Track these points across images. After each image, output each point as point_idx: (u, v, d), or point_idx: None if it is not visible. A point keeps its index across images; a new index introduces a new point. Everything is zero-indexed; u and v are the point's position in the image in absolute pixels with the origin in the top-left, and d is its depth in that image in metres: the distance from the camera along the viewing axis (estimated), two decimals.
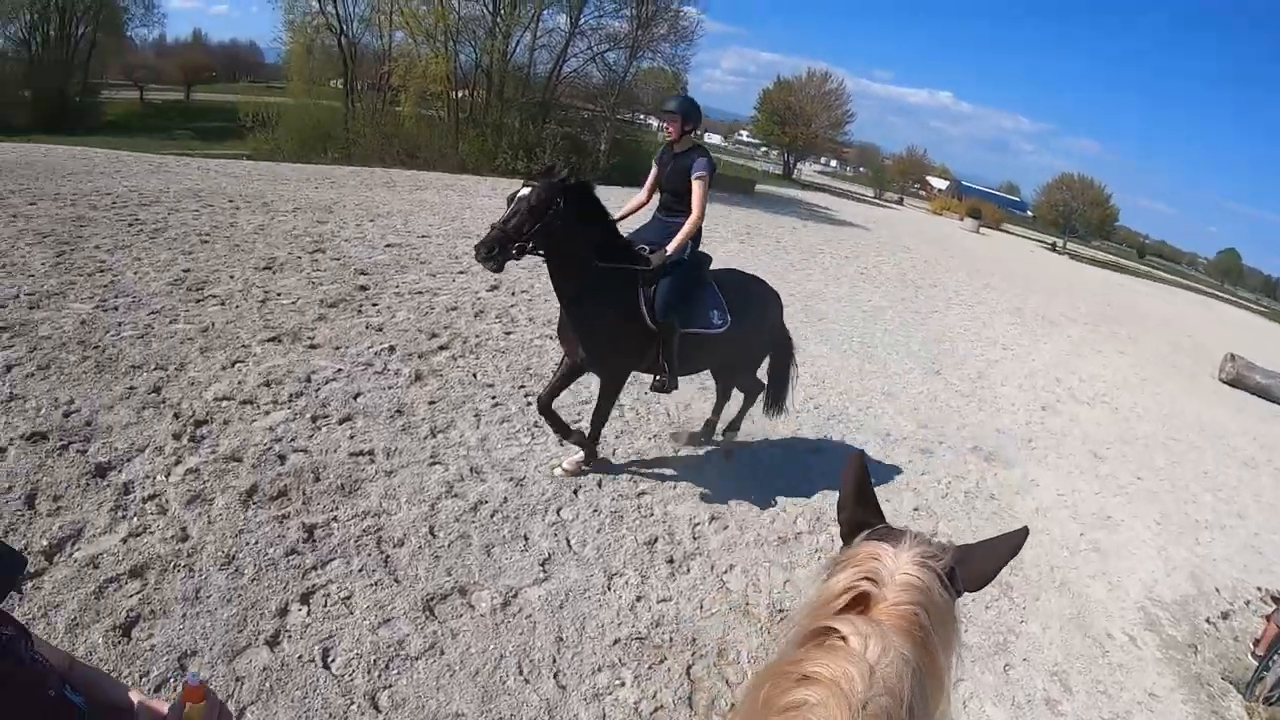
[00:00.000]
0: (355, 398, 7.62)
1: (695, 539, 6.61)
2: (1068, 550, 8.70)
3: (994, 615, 6.75)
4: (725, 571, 6.27)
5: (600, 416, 6.99)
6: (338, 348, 8.70)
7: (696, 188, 6.66)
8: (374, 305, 10.32)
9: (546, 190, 5.78)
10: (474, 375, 8.72)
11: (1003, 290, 28.86)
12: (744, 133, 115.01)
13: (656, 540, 6.43)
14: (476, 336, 9.93)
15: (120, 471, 5.68)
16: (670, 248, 6.54)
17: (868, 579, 1.37)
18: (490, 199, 20.98)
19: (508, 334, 10.32)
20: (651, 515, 6.77)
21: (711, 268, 7.38)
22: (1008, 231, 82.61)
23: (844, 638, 1.26)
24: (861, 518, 1.63)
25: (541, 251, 6.00)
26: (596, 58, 37.96)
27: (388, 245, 13.54)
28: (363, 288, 10.97)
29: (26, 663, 1.56)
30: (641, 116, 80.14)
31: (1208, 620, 7.79)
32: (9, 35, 49.21)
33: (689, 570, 6.15)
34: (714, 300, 6.88)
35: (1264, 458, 16.59)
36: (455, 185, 23.72)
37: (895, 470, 9.33)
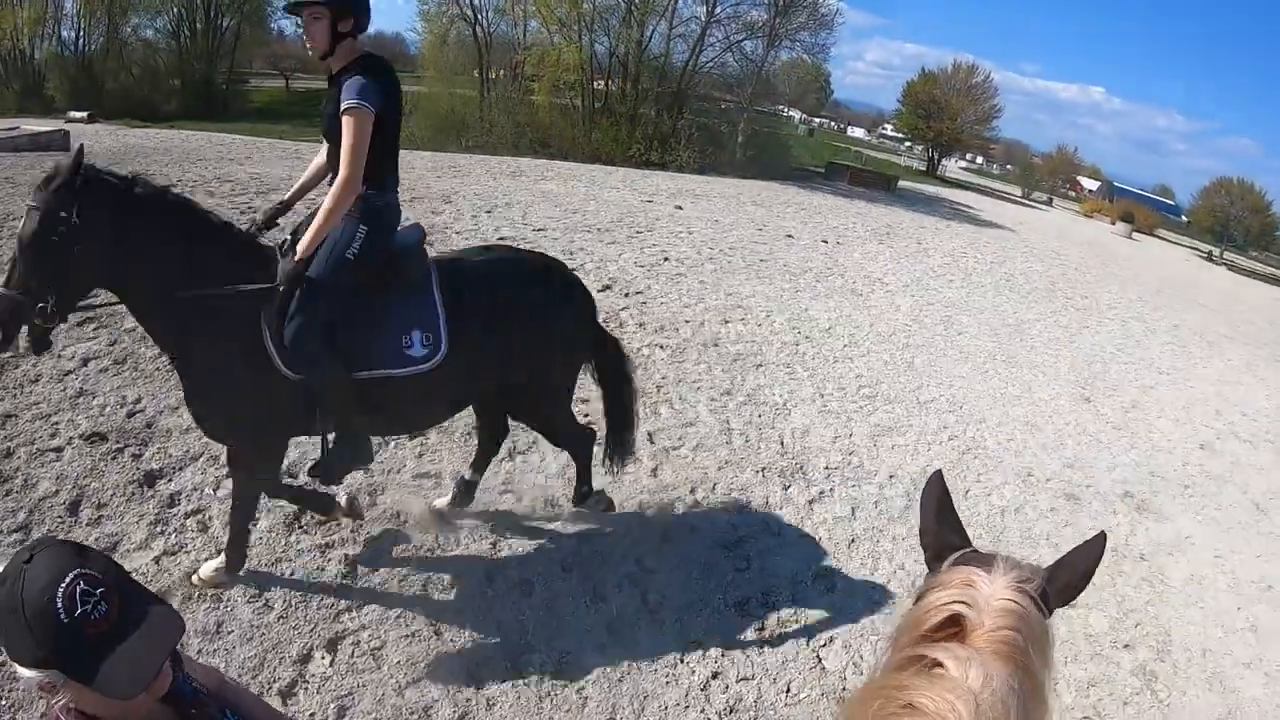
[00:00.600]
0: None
1: (794, 603, 5.80)
2: (1222, 630, 7.72)
3: (1133, 713, 5.95)
4: (823, 645, 5.44)
5: (238, 517, 4.56)
6: None
7: (346, 128, 4.03)
8: None
9: (44, 205, 3.46)
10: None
11: (1158, 305, 27.02)
12: (888, 127, 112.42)
13: (748, 602, 5.66)
14: None
15: (170, 481, 5.32)
16: (301, 245, 4.06)
17: (963, 602, 1.34)
18: (618, 190, 20.51)
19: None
20: (747, 569, 6.00)
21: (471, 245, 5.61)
22: (1161, 237, 78.99)
23: (943, 665, 1.24)
24: (947, 541, 1.60)
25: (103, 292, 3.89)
26: (733, 47, 36.90)
27: (500, 238, 13.11)
28: None
29: (195, 698, 1.68)
30: (781, 108, 79.13)
31: None
32: (158, 28, 52.48)
33: (780, 642, 5.36)
34: (418, 315, 4.34)
35: None
36: (583, 175, 23.32)
37: (1036, 519, 8.39)
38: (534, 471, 6.50)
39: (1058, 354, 15.19)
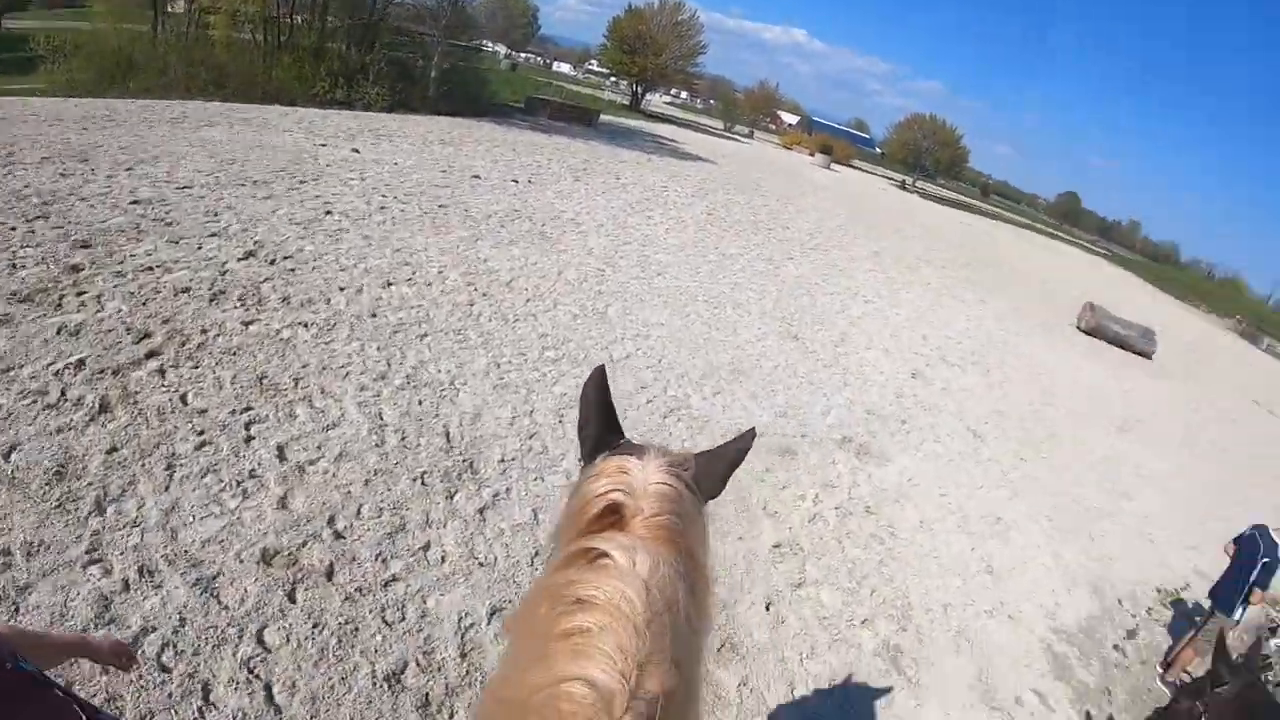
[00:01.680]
0: (7, 455, 4.93)
1: (466, 657, 4.41)
2: (960, 578, 7.31)
3: (884, 705, 5.35)
4: None
5: None
6: (7, 369, 5.93)
7: None
8: (80, 294, 7.26)
9: None
10: (183, 397, 6.00)
11: (858, 233, 27.53)
12: (594, 62, 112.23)
13: (403, 670, 4.20)
14: (203, 332, 7.11)
15: None
16: None
17: (620, 490, 1.30)
18: (291, 134, 18.06)
19: (247, 325, 7.54)
20: (401, 621, 4.51)
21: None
22: (857, 168, 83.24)
23: (609, 555, 1.20)
24: (603, 436, 1.53)
25: None
26: None
27: (133, 203, 10.48)
28: (75, 268, 7.82)
29: None
30: (484, 43, 76.63)
31: (1115, 647, 7.30)
32: None
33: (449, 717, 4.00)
34: None
35: (1135, 419, 15.84)
36: (255, 118, 20.53)
37: (751, 484, 7.35)
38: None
39: (762, 289, 14.51)
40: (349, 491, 5.40)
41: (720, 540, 6.31)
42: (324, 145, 17.24)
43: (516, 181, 17.54)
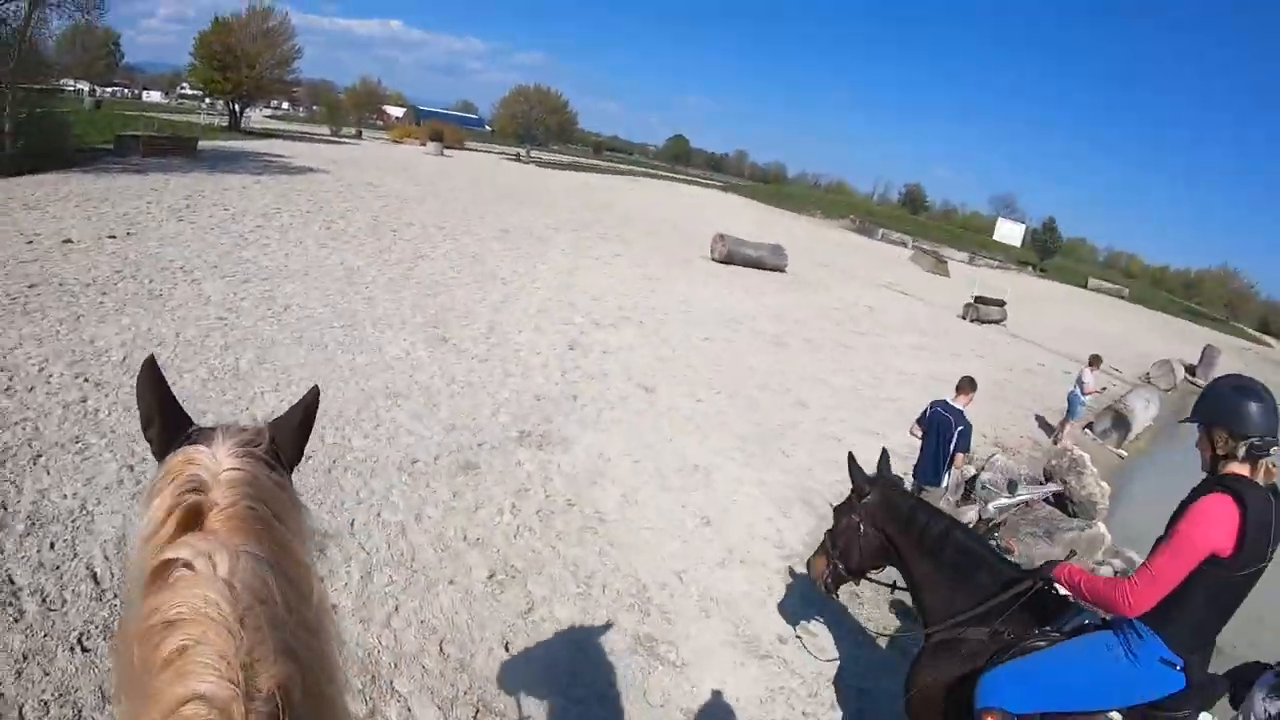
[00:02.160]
0: None
1: None
2: (681, 540, 7.23)
3: (660, 700, 5.19)
4: None
5: None
6: None
7: None
8: None
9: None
10: None
11: (482, 214, 27.20)
12: (185, 85, 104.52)
13: None
14: None
15: None
16: None
17: (190, 490, 1.21)
18: None
19: None
20: None
21: None
22: (471, 149, 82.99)
23: (189, 564, 1.12)
24: (170, 429, 1.39)
25: None
26: None
27: None
28: None
29: None
30: (66, 83, 69.11)
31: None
32: None
33: None
34: None
35: (787, 333, 16.54)
36: None
37: (443, 518, 6.80)
38: None
39: (399, 297, 13.82)
40: (1, 694, 4.32)
41: (431, 590, 5.75)
42: None
43: (114, 237, 15.58)
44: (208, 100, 77.55)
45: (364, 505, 6.68)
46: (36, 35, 31.68)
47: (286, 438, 1.43)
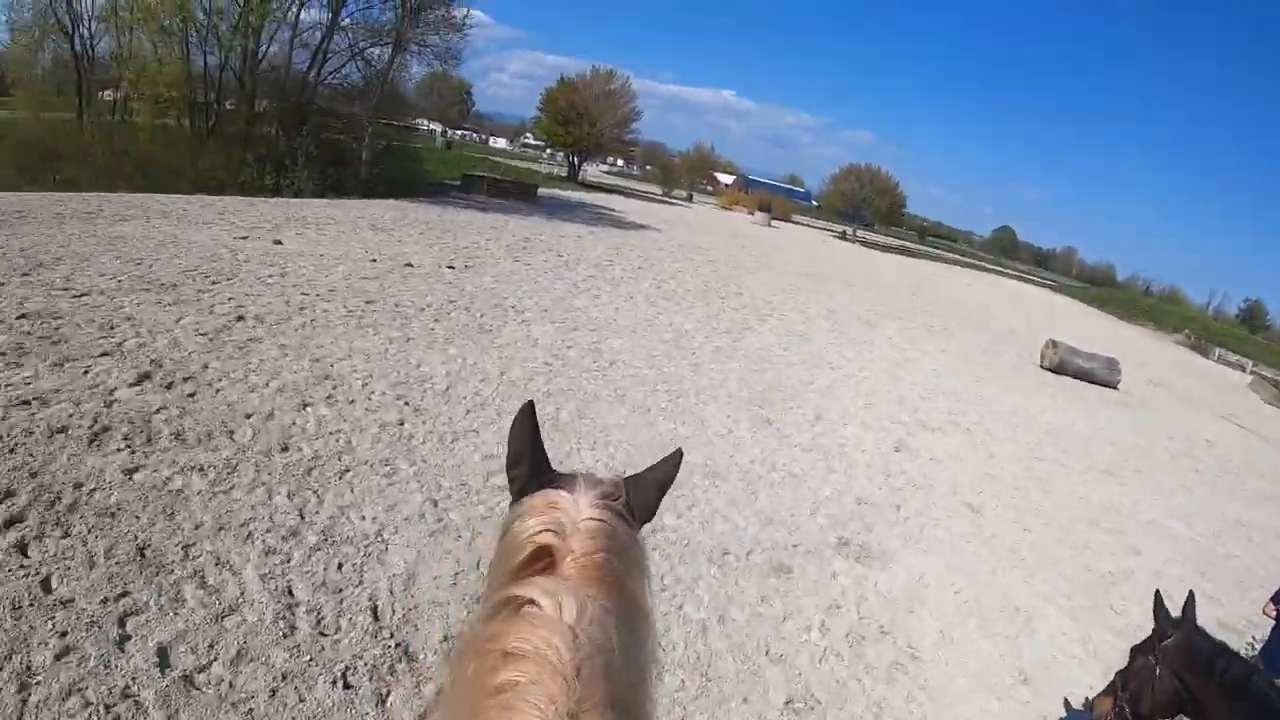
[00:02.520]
0: None
1: None
2: (996, 698, 6.21)
3: None
4: None
5: None
6: None
7: None
8: None
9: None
10: (45, 583, 4.61)
11: (810, 290, 26.75)
12: (529, 136, 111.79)
13: None
14: (77, 487, 5.65)
15: None
16: None
17: (549, 530, 1.26)
18: (211, 227, 16.80)
19: (130, 473, 6.09)
20: None
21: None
22: (797, 222, 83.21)
23: (536, 603, 1.15)
24: (535, 473, 1.44)
25: None
26: (357, 56, 33.03)
27: (20, 317, 8.91)
28: None
29: None
30: (421, 123, 75.44)
31: None
32: None
33: None
34: None
35: (1120, 460, 15.05)
36: (175, 211, 19.18)
37: (748, 624, 6.18)
38: None
39: (725, 368, 13.42)
40: (250, 710, 4.18)
41: (723, 706, 5.15)
42: (244, 239, 16.07)
43: (452, 267, 16.42)
44: (549, 151, 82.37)
45: (668, 594, 6.18)
46: (397, 78, 34.84)
47: (642, 495, 1.43)
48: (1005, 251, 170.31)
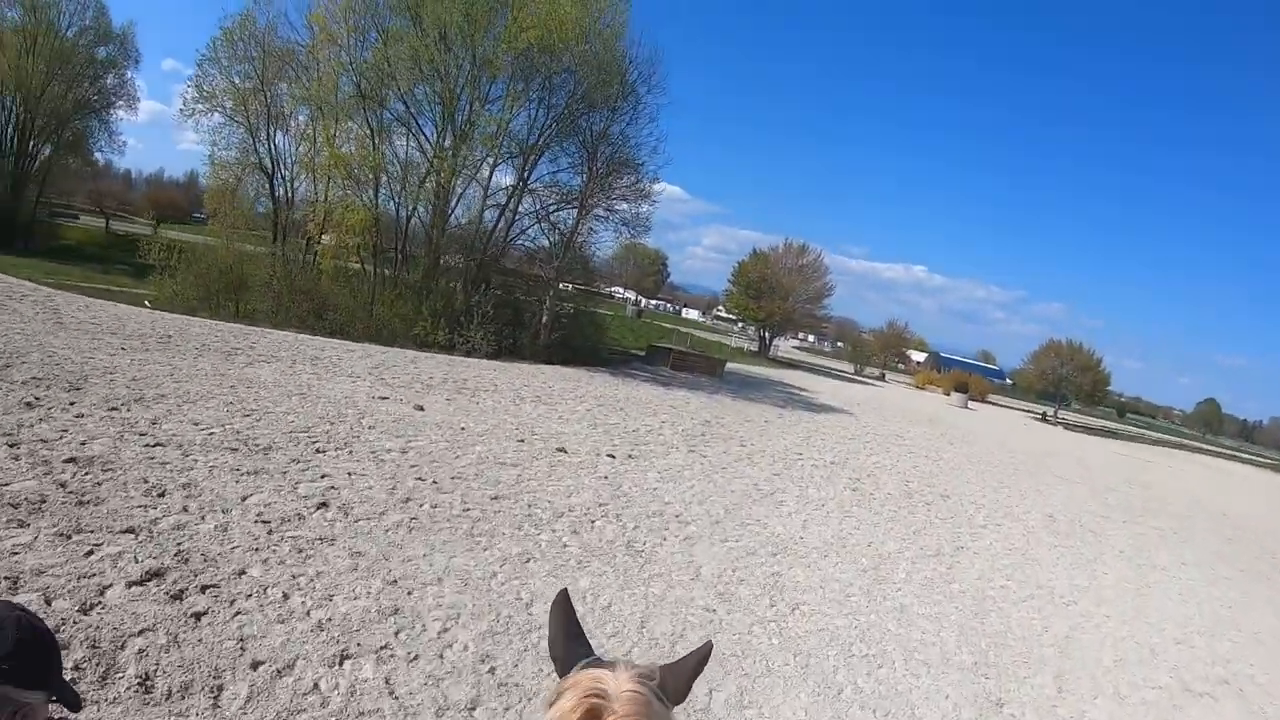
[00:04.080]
0: None
1: None
2: None
3: None
4: None
5: None
6: None
7: None
8: None
9: None
10: None
11: (1022, 489, 23.09)
12: (721, 309, 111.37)
13: None
14: None
15: None
16: None
17: (595, 695, 1.33)
18: (357, 381, 15.22)
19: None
20: None
21: None
22: (993, 403, 78.63)
23: None
24: (574, 651, 1.53)
25: None
26: (543, 219, 32.31)
27: (68, 460, 7.37)
28: None
29: None
30: (615, 290, 75.75)
31: None
32: None
33: None
34: None
35: None
36: (327, 357, 17.80)
37: None
38: None
39: (939, 612, 10.22)
40: None
41: None
42: (384, 398, 14.26)
43: (613, 457, 14.04)
44: (740, 325, 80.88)
45: None
46: (585, 242, 33.65)
47: (674, 681, 1.46)
48: (1210, 426, 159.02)
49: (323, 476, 9.20)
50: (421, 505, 9.10)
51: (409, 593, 6.86)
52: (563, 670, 1.49)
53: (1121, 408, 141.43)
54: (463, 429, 13.47)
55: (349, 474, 9.54)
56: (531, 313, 30.47)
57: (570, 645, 1.54)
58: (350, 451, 10.49)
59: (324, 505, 8.30)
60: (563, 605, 1.63)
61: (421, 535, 8.21)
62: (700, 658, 1.56)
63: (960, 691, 7.96)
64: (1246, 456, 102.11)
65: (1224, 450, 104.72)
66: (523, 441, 13.56)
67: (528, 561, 8.25)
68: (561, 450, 13.51)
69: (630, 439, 15.93)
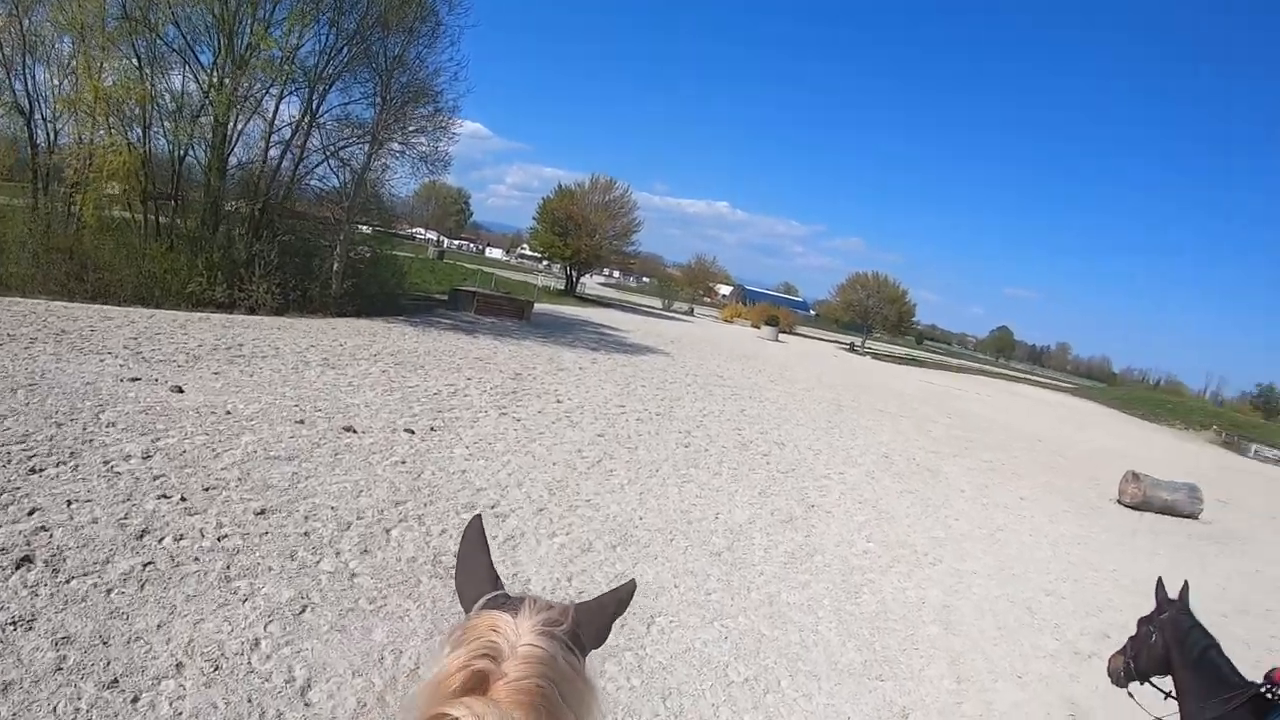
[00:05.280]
0: None
1: None
2: None
3: None
4: None
5: None
6: None
7: None
8: None
9: None
10: None
11: (851, 427, 22.53)
12: (525, 246, 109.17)
13: None
14: None
15: None
16: None
17: (485, 655, 1.21)
18: (105, 359, 12.51)
19: None
20: None
21: None
22: (801, 334, 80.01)
23: None
24: (479, 585, 1.45)
25: None
26: (331, 155, 28.73)
27: None
28: None
29: None
30: (418, 231, 72.07)
31: None
32: None
33: None
34: None
35: (1253, 633, 11.37)
36: (76, 329, 14.57)
37: None
38: None
39: (809, 595, 8.89)
40: None
41: None
42: (135, 380, 11.68)
43: (411, 432, 11.96)
44: (545, 263, 78.98)
45: None
46: (379, 180, 30.53)
47: (591, 623, 1.37)
48: (1002, 351, 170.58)
49: (32, 512, 6.82)
50: (162, 540, 6.85)
51: (133, 700, 4.80)
52: (466, 606, 1.40)
53: (920, 335, 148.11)
54: (229, 413, 11.04)
55: (69, 503, 7.17)
56: (322, 259, 27.38)
57: (475, 576, 1.44)
58: (76, 466, 8.06)
59: (26, 561, 5.99)
60: (475, 532, 1.52)
61: (158, 591, 6.03)
62: (620, 598, 1.45)
63: (860, 707, 6.64)
64: (1041, 380, 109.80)
65: (1019, 374, 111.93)
66: (302, 423, 11.27)
67: (303, 612, 6.20)
68: (349, 429, 11.33)
69: (432, 405, 13.85)
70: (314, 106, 27.36)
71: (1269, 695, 4.24)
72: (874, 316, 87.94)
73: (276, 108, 27.10)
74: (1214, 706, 4.36)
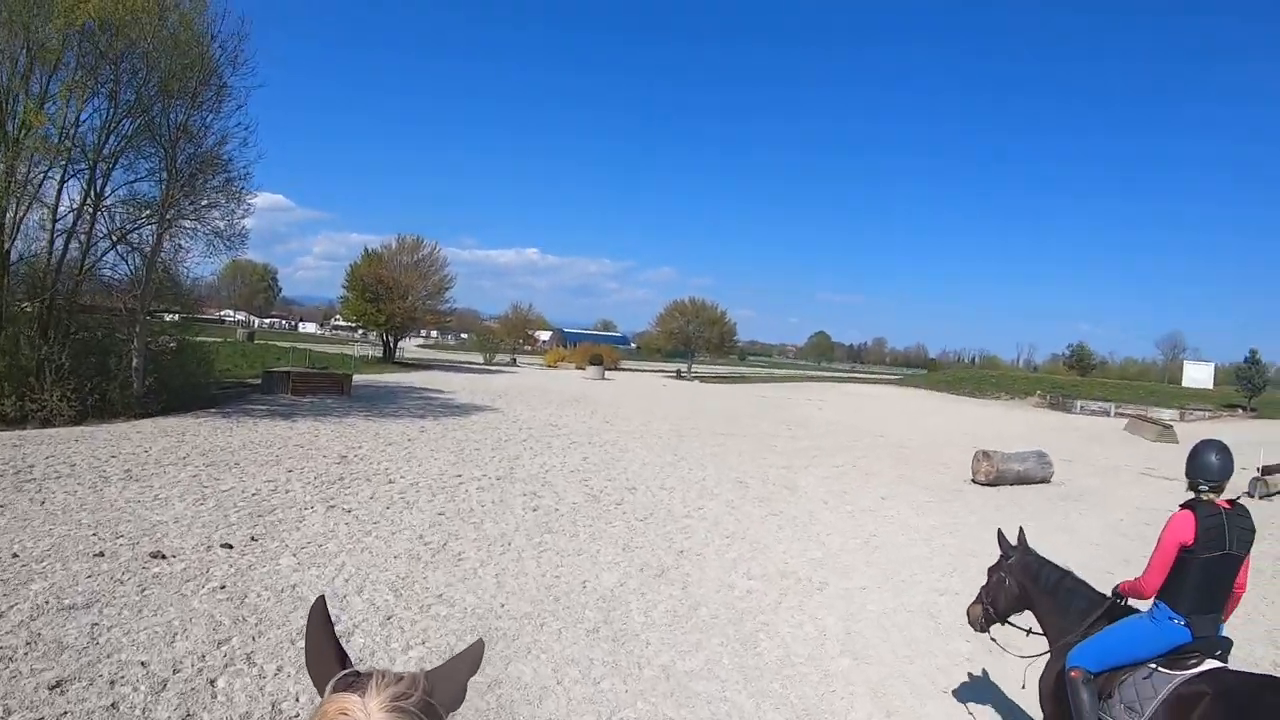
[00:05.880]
0: None
1: None
2: None
3: None
4: None
5: None
6: None
7: None
8: None
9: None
10: None
11: (699, 459, 21.95)
12: (339, 318, 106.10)
13: None
14: None
15: None
16: None
17: None
18: None
19: None
20: None
21: None
22: (626, 369, 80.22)
23: None
24: (330, 667, 1.41)
25: None
26: (120, 240, 25.82)
27: None
28: None
29: None
30: (226, 314, 68.25)
31: None
32: None
33: None
34: None
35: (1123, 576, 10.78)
36: None
37: None
38: None
39: (706, 660, 8.00)
40: None
41: None
42: None
43: (229, 546, 10.40)
44: (361, 332, 76.70)
45: None
46: (173, 261, 28.07)
47: (445, 689, 1.36)
48: (823, 355, 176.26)
49: None
50: None
51: None
52: (320, 691, 1.37)
53: (743, 352, 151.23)
54: (15, 556, 9.20)
55: None
56: (120, 356, 24.74)
57: (324, 658, 1.42)
58: None
59: None
60: (319, 614, 1.50)
61: None
62: (472, 659, 1.45)
63: None
64: (865, 376, 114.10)
65: (843, 374, 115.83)
66: (102, 555, 9.51)
67: None
68: (158, 555, 9.67)
69: (251, 509, 12.24)
70: (98, 187, 24.79)
71: (1121, 602, 5.33)
72: (696, 341, 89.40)
73: (59, 192, 24.51)
74: (1074, 617, 5.45)
